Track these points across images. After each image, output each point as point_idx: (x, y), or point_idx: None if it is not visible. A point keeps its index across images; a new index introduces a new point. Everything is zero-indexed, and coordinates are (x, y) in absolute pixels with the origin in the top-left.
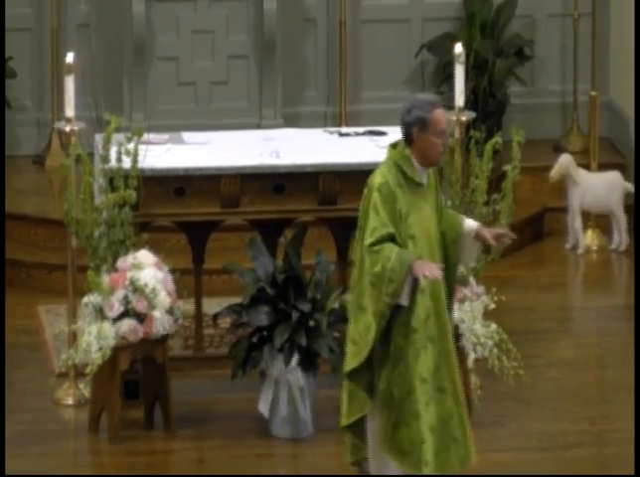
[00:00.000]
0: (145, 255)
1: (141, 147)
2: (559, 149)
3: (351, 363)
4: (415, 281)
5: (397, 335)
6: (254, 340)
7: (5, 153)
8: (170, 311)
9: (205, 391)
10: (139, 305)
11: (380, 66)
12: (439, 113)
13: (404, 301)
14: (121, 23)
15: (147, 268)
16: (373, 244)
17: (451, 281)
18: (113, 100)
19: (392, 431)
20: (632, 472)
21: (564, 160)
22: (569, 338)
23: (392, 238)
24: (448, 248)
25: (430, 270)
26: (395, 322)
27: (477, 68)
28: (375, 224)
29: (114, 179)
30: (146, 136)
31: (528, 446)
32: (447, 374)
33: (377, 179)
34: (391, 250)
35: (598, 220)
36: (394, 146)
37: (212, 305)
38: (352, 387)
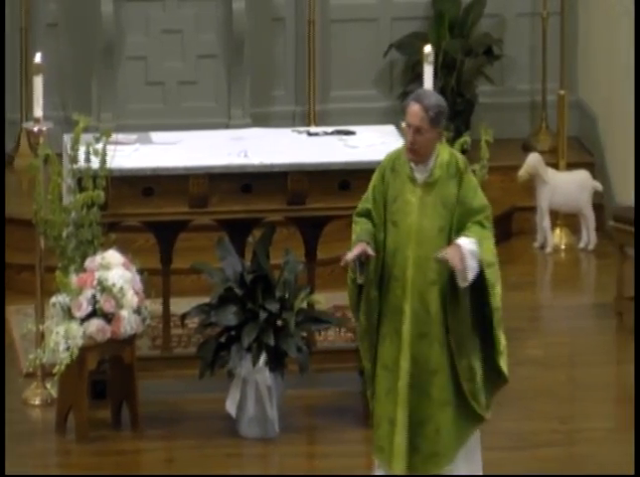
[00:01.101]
0: (113, 255)
1: (110, 147)
2: (527, 148)
3: None
4: (366, 261)
5: (360, 310)
6: (222, 340)
7: None
8: (138, 311)
9: (173, 390)
10: (107, 305)
11: (348, 65)
12: (412, 106)
13: (359, 279)
14: (90, 23)
15: (115, 268)
16: (356, 214)
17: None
18: (82, 100)
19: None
20: (632, 472)
21: (533, 159)
22: (539, 337)
23: (369, 214)
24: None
25: (354, 251)
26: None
27: (446, 67)
28: (365, 196)
29: (83, 179)
30: (115, 136)
31: (498, 445)
32: (424, 376)
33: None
34: (359, 226)
35: (567, 219)
36: None
37: (180, 305)
38: None
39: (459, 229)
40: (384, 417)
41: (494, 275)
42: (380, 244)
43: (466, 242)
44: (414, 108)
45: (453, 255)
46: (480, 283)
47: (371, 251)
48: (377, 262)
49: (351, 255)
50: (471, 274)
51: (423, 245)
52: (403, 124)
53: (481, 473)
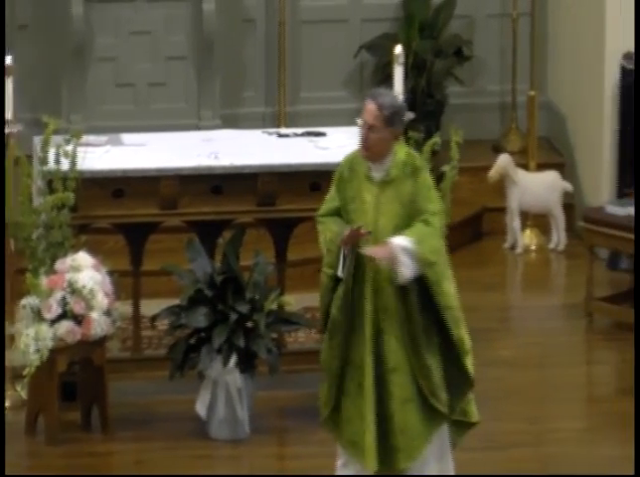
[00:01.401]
0: (83, 257)
1: (80, 149)
2: (497, 149)
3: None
4: (351, 254)
5: (333, 306)
6: (193, 341)
7: None
8: (108, 313)
9: (143, 392)
10: (77, 307)
11: (319, 66)
12: (368, 104)
13: (340, 273)
14: (60, 24)
15: (85, 270)
16: (321, 216)
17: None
18: (52, 102)
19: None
20: (632, 472)
21: (503, 160)
22: (509, 337)
23: (338, 212)
24: None
25: (348, 236)
26: (335, 293)
27: (416, 68)
28: (328, 196)
29: (53, 181)
30: (85, 138)
31: (468, 446)
32: (385, 373)
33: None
34: (333, 222)
35: (537, 219)
36: None
37: (150, 307)
38: None
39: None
40: (355, 413)
41: (437, 274)
42: None
43: (398, 240)
44: (369, 106)
45: (377, 252)
46: (425, 282)
47: (363, 231)
48: (354, 258)
49: (346, 237)
50: (405, 272)
51: (379, 242)
52: (359, 121)
53: (452, 473)
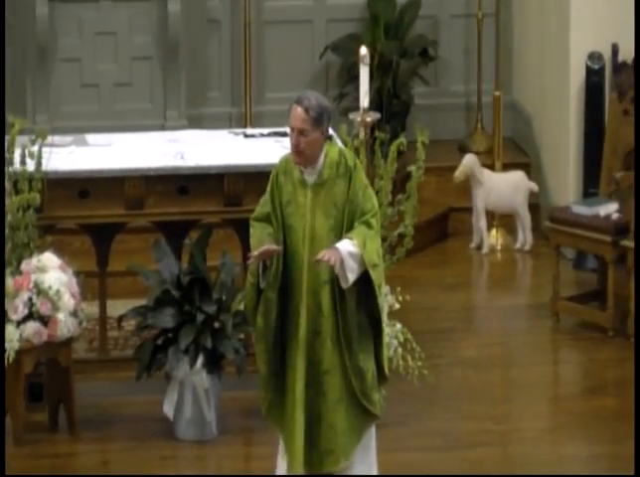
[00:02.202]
0: (49, 258)
1: (45, 149)
2: (463, 149)
3: None
4: (265, 265)
5: (257, 313)
6: (159, 342)
7: None
8: (74, 314)
9: (109, 393)
10: (43, 308)
11: (284, 67)
12: (295, 109)
13: (260, 283)
14: (24, 24)
15: (51, 271)
16: (254, 219)
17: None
18: (17, 102)
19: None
20: (632, 472)
21: (469, 160)
22: (473, 337)
23: (268, 217)
24: None
25: (259, 253)
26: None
27: (381, 68)
28: (262, 200)
29: (18, 182)
30: (50, 138)
31: (432, 446)
32: (318, 375)
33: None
34: (260, 230)
35: (503, 219)
36: None
37: (116, 307)
38: None
39: (349, 228)
40: (286, 418)
41: (380, 276)
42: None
43: (345, 245)
44: (296, 111)
45: (330, 257)
46: (366, 284)
47: (275, 246)
48: (276, 265)
49: (257, 253)
50: (351, 276)
51: (316, 246)
52: (288, 129)
53: (376, 473)
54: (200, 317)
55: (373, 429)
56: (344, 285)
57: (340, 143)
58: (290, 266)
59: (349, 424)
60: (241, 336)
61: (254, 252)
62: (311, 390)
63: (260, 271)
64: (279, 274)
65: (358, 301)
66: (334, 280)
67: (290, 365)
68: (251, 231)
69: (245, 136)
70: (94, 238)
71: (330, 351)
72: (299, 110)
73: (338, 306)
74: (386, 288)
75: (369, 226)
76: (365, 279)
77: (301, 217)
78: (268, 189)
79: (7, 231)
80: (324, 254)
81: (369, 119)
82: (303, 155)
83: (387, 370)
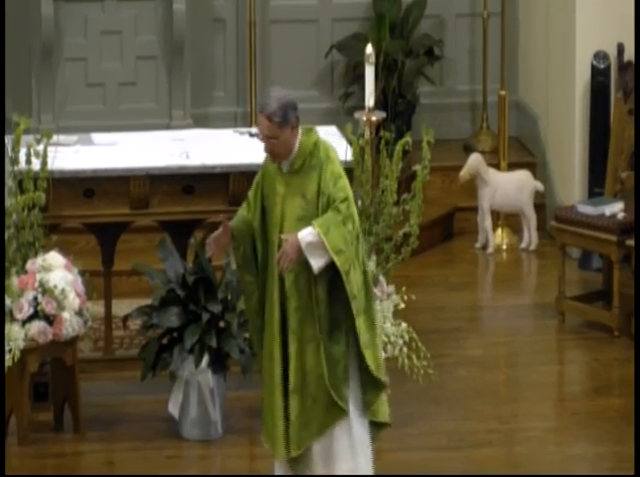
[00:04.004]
0: (54, 257)
1: (50, 149)
2: (468, 149)
3: None
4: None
5: (242, 296)
6: (164, 341)
7: None
8: (79, 313)
9: (114, 392)
10: (48, 307)
11: (289, 66)
12: (260, 118)
13: (233, 265)
14: (29, 24)
15: (56, 270)
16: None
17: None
18: (22, 102)
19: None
20: (632, 472)
21: (474, 160)
22: (479, 337)
23: (243, 219)
24: None
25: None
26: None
27: (387, 68)
28: (245, 201)
29: (24, 181)
30: (55, 138)
31: (437, 446)
32: (274, 369)
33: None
34: (239, 213)
35: (508, 219)
36: None
37: (121, 307)
38: None
39: None
40: (269, 406)
41: (347, 262)
42: (256, 231)
43: (304, 234)
44: (261, 121)
45: (287, 254)
46: (333, 272)
47: (222, 232)
48: (249, 248)
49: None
50: (315, 263)
51: (286, 233)
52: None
53: (369, 473)
54: (205, 316)
55: (358, 429)
56: (314, 271)
57: (320, 134)
58: (267, 253)
59: (315, 416)
60: (247, 335)
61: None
62: (286, 381)
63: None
64: (252, 256)
65: (329, 290)
66: (305, 270)
67: (270, 351)
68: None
69: (251, 135)
70: (100, 237)
71: (311, 328)
72: (263, 120)
73: (315, 291)
74: (391, 288)
75: (337, 211)
76: (332, 267)
77: (275, 204)
78: (255, 181)
79: (12, 230)
80: (278, 258)
81: (374, 119)
82: (280, 155)
83: (379, 371)
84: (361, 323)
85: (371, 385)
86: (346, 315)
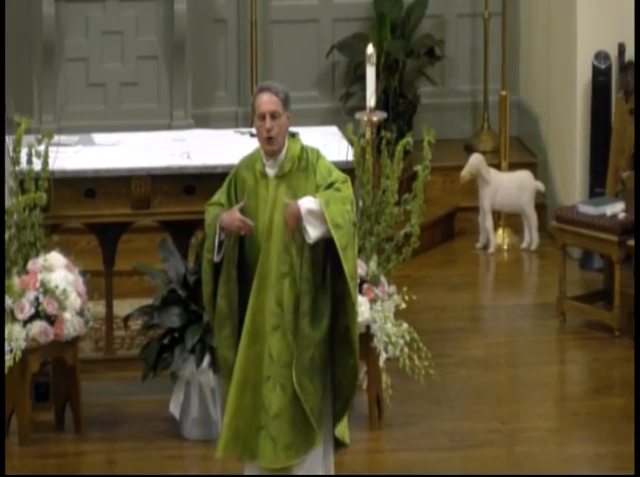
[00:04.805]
0: (56, 257)
1: (51, 149)
2: (469, 149)
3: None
4: (228, 239)
5: (218, 294)
6: (165, 341)
7: None
8: (81, 313)
9: (115, 392)
10: (50, 307)
11: (290, 66)
12: (262, 96)
13: (215, 258)
14: (30, 24)
15: (58, 270)
16: (208, 205)
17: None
18: (23, 102)
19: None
20: (632, 472)
21: (475, 160)
22: (480, 337)
23: (222, 206)
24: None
25: (230, 217)
26: (219, 281)
27: (388, 68)
28: (219, 190)
29: (25, 181)
30: (56, 138)
31: (438, 445)
32: (258, 366)
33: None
34: (212, 209)
35: (509, 219)
36: None
37: (122, 307)
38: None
39: None
40: (256, 404)
41: (344, 238)
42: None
43: (305, 201)
44: (264, 97)
45: (290, 211)
46: (332, 246)
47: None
48: (234, 242)
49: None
50: (312, 231)
51: (274, 238)
52: (256, 122)
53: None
54: (206, 316)
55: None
56: (307, 240)
57: (303, 142)
58: (248, 258)
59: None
60: None
61: (218, 220)
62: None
63: (216, 244)
64: (237, 250)
65: (329, 273)
66: (294, 273)
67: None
68: (207, 212)
69: (252, 136)
70: (101, 237)
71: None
72: (268, 95)
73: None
74: (392, 288)
75: (337, 190)
76: (330, 243)
77: (260, 211)
78: (226, 182)
79: (13, 230)
80: (288, 205)
81: (375, 119)
82: (275, 142)
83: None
84: (352, 303)
85: (343, 397)
86: (329, 303)
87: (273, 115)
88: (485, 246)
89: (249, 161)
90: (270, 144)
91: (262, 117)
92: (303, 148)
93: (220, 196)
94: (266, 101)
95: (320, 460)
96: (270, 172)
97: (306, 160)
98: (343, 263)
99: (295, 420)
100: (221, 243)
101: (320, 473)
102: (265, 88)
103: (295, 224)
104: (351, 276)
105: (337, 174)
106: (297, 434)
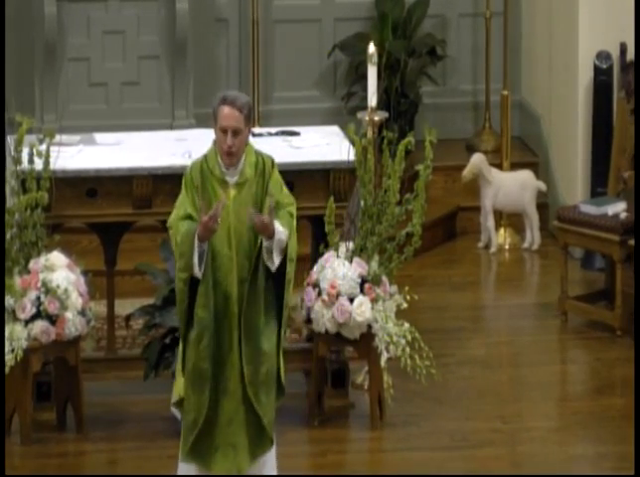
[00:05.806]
0: (57, 257)
1: (53, 148)
2: (471, 148)
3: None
4: (205, 251)
5: (197, 306)
6: (167, 341)
7: None
8: (82, 312)
9: (117, 392)
10: (51, 306)
11: (292, 66)
12: (224, 109)
13: (198, 273)
14: (32, 23)
15: (59, 270)
16: (170, 223)
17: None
18: (25, 101)
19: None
20: (632, 472)
21: (477, 159)
22: (481, 337)
23: (190, 217)
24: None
25: (202, 228)
26: (197, 292)
27: (389, 68)
28: (177, 203)
29: (26, 181)
30: (58, 137)
31: (440, 445)
32: (229, 372)
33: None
34: (181, 225)
35: (511, 219)
36: None
37: (124, 306)
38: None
39: None
40: (233, 414)
41: (292, 272)
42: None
43: (279, 229)
44: (229, 112)
45: (264, 226)
46: (280, 278)
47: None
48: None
49: (200, 228)
50: (277, 259)
51: (238, 245)
52: (216, 131)
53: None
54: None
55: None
56: (271, 266)
57: (255, 145)
58: (214, 266)
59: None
60: None
61: (192, 235)
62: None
63: (196, 257)
64: (210, 256)
65: (270, 296)
66: (256, 279)
67: (229, 361)
68: (170, 233)
69: (253, 135)
70: (102, 237)
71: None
72: (232, 110)
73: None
74: (393, 287)
75: (291, 215)
76: (279, 273)
77: (224, 217)
78: (184, 192)
79: (15, 229)
80: (263, 218)
81: (377, 118)
82: (235, 156)
83: (283, 379)
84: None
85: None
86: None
87: (235, 132)
88: (487, 246)
89: (203, 168)
90: (230, 158)
91: (224, 131)
92: (257, 153)
93: (184, 208)
94: (229, 116)
95: (274, 460)
96: (231, 179)
97: (262, 164)
98: (285, 294)
99: (248, 424)
100: (201, 256)
101: (274, 473)
102: (229, 102)
103: (266, 234)
104: (286, 306)
105: (286, 193)
106: (251, 438)
